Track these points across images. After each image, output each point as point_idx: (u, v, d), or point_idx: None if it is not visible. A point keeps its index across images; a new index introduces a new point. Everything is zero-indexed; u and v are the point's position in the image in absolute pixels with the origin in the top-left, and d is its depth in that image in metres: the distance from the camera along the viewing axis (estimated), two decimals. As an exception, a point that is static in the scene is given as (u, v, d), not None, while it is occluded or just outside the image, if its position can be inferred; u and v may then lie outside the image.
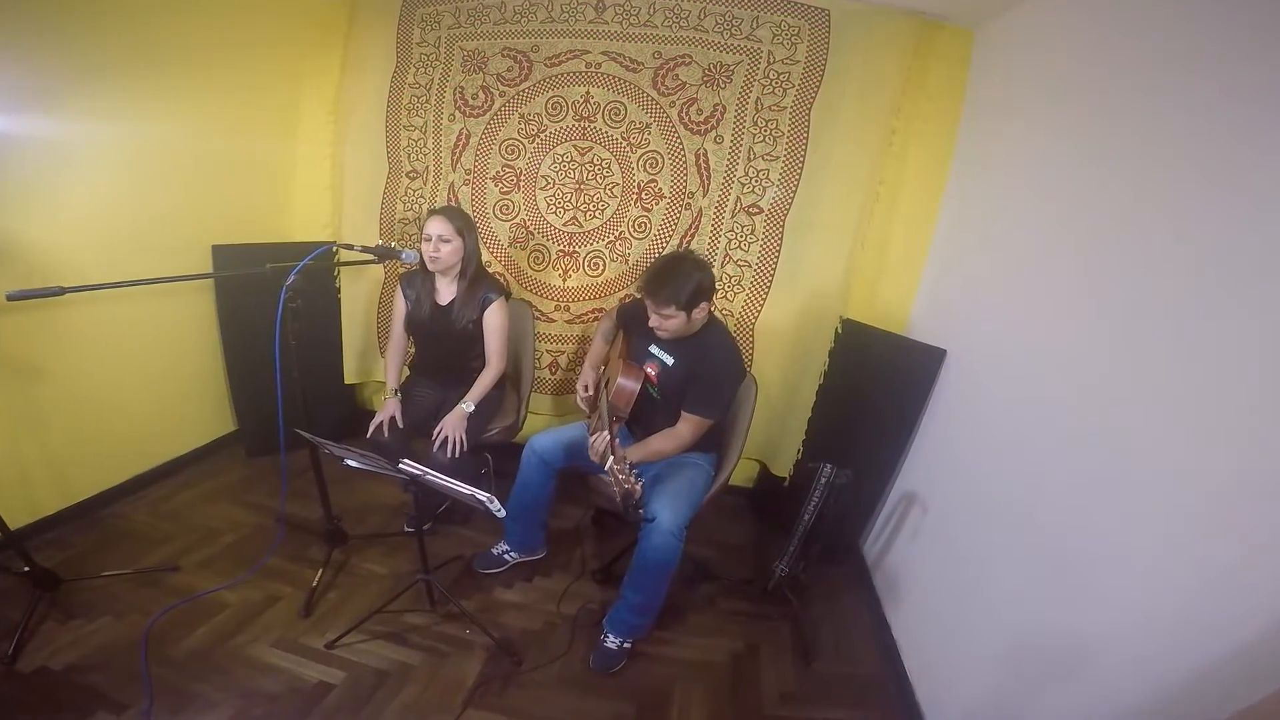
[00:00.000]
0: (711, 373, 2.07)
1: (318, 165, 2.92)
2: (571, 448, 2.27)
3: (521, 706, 1.91)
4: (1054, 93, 1.94)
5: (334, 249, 2.17)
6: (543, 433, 2.32)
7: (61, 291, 1.65)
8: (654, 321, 2.03)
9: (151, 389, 2.65)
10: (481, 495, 1.69)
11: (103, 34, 2.16)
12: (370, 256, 2.15)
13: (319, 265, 2.84)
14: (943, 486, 2.20)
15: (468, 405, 2.36)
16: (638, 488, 1.67)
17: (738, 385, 2.19)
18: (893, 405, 2.43)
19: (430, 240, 2.26)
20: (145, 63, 2.31)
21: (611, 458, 1.70)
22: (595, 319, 2.81)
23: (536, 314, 2.82)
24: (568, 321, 2.89)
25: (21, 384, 2.20)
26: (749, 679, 2.11)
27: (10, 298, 1.58)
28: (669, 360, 2.15)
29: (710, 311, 2.12)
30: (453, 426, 2.31)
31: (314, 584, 2.22)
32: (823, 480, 2.10)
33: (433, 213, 2.30)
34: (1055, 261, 1.78)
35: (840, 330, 2.61)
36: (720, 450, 2.31)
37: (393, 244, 2.17)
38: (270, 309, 1.90)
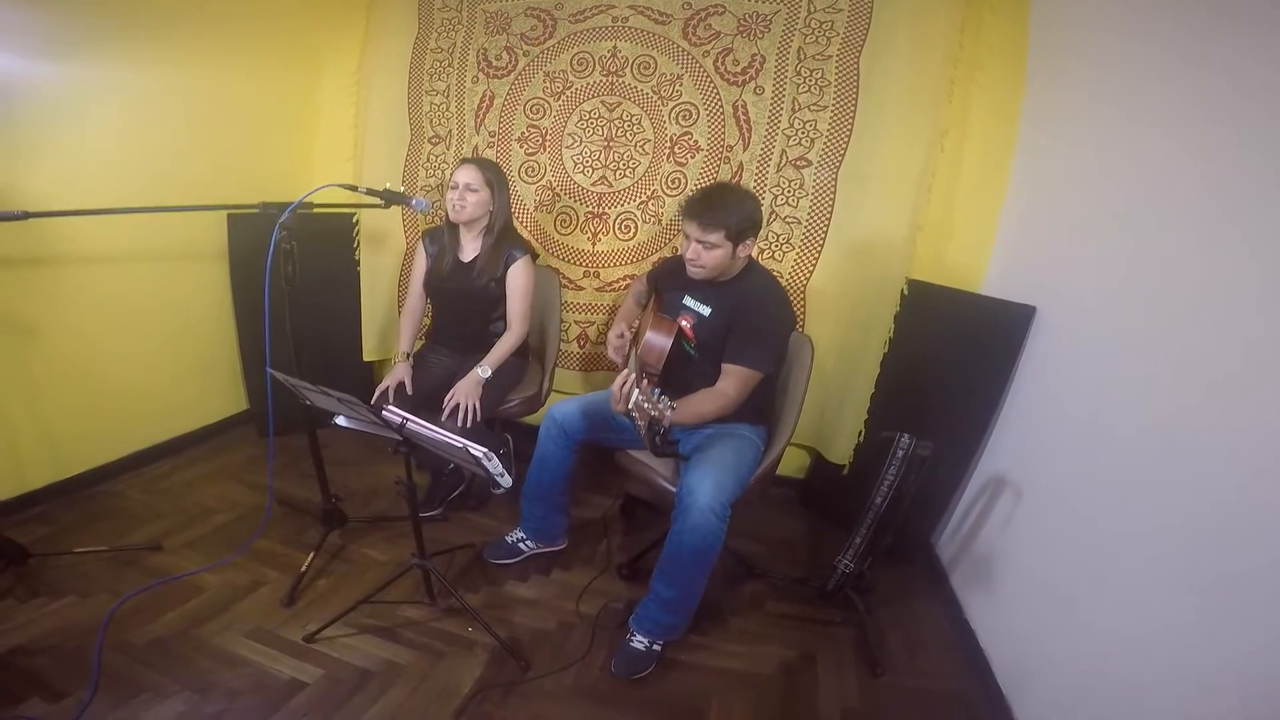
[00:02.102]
0: (756, 317, 1.68)
1: (340, 135, 2.69)
2: (595, 415, 1.90)
3: (525, 719, 1.50)
4: (1123, 39, 1.62)
5: (360, 198, 1.87)
6: (563, 400, 1.95)
7: (25, 216, 1.44)
8: (692, 252, 1.66)
9: (159, 362, 2.41)
10: (477, 449, 1.33)
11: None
12: (377, 200, 1.85)
13: (337, 236, 2.66)
14: (1041, 466, 1.72)
15: (484, 370, 2.03)
16: (666, 414, 1.28)
17: (788, 332, 1.79)
18: (973, 374, 1.97)
19: (457, 188, 2.00)
20: (165, 25, 2.12)
21: (637, 391, 1.31)
22: (627, 287, 2.45)
23: (564, 281, 2.48)
24: (597, 289, 2.53)
25: (16, 347, 1.97)
26: (804, 693, 1.65)
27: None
28: (705, 310, 1.77)
29: (751, 256, 1.75)
30: (466, 392, 1.97)
31: (302, 569, 1.87)
32: (899, 453, 1.64)
33: (464, 161, 2.04)
34: (1167, 200, 1.39)
35: (906, 291, 2.17)
36: (770, 423, 1.89)
37: (405, 194, 1.86)
38: (294, 310, 1.71)
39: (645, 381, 1.40)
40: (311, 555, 1.91)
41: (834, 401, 2.31)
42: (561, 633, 1.78)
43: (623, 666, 1.63)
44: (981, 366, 1.95)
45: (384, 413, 1.44)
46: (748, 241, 1.67)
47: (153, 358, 2.37)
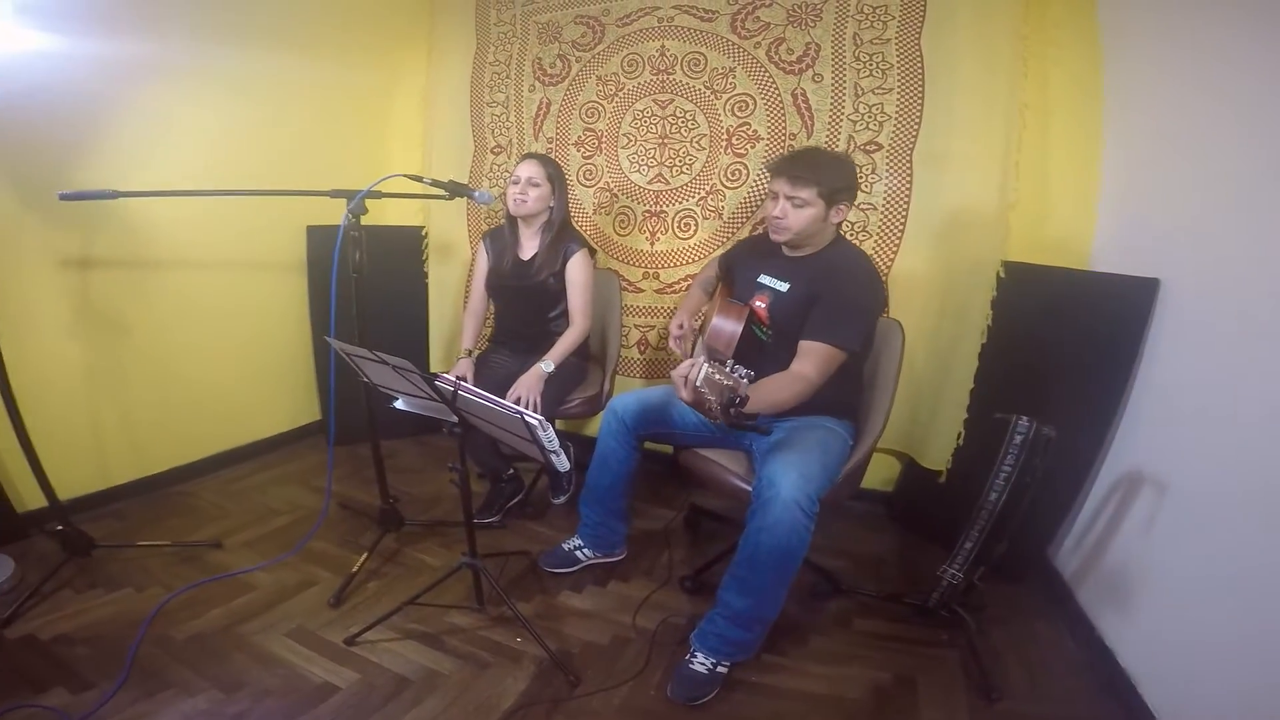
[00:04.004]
0: (842, 289, 1.40)
1: (409, 152, 2.64)
2: (659, 407, 1.65)
3: (569, 741, 1.22)
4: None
5: (427, 189, 1.76)
6: (625, 393, 1.72)
7: (115, 195, 1.43)
8: (779, 211, 1.41)
9: (239, 369, 2.35)
10: (532, 417, 1.13)
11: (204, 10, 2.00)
12: (441, 192, 1.72)
13: (406, 251, 2.57)
14: (1190, 456, 1.33)
15: (547, 365, 1.84)
16: (743, 383, 1.03)
17: (879, 311, 1.49)
18: (1089, 359, 1.60)
19: (519, 183, 1.86)
20: (244, 47, 2.12)
21: (707, 366, 1.05)
22: (688, 289, 2.21)
23: (623, 284, 2.27)
24: (657, 291, 2.31)
25: (110, 345, 1.95)
26: (901, 719, 1.29)
27: (62, 198, 1.40)
28: (783, 286, 1.51)
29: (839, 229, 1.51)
30: (528, 387, 1.79)
31: (354, 570, 1.68)
32: (1017, 439, 1.29)
33: (526, 156, 1.92)
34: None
35: (1002, 274, 1.82)
36: (859, 420, 1.58)
37: (469, 186, 1.73)
38: (360, 297, 1.62)
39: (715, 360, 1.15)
40: (364, 556, 1.72)
41: (927, 400, 1.96)
42: (615, 647, 1.50)
43: (680, 691, 1.32)
44: (1100, 349, 1.58)
45: (437, 382, 1.26)
46: (841, 206, 1.42)
47: (234, 364, 2.32)
